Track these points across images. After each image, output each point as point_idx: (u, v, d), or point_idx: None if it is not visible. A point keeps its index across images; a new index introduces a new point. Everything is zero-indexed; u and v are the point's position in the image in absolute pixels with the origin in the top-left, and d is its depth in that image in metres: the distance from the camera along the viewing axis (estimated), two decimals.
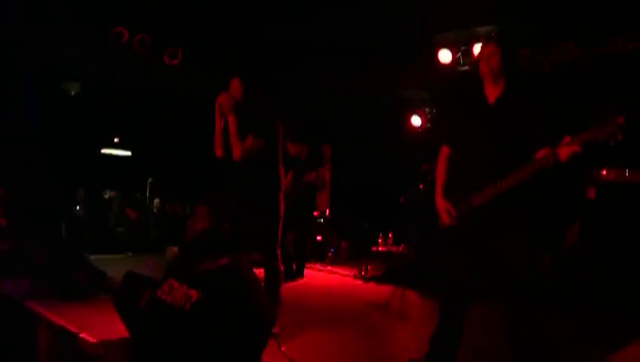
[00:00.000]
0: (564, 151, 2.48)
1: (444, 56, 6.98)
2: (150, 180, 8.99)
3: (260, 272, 3.50)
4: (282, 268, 3.94)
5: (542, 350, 2.70)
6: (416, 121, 8.22)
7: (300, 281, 6.25)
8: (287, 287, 5.69)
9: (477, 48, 6.42)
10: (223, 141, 3.76)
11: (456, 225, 2.89)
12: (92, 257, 6.04)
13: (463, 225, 2.87)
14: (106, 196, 8.65)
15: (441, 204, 2.95)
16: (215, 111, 3.76)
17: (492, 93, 2.86)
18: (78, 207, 8.11)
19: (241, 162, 3.69)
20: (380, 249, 8.13)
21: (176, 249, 7.52)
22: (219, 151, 3.80)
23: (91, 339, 3.13)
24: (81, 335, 3.24)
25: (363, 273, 6.48)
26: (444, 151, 3.10)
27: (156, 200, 8.93)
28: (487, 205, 2.74)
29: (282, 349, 3.41)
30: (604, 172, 5.27)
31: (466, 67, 6.98)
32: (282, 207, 3.86)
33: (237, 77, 3.79)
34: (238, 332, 2.10)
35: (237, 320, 2.10)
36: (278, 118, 3.87)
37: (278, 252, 3.82)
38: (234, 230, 2.36)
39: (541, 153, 2.60)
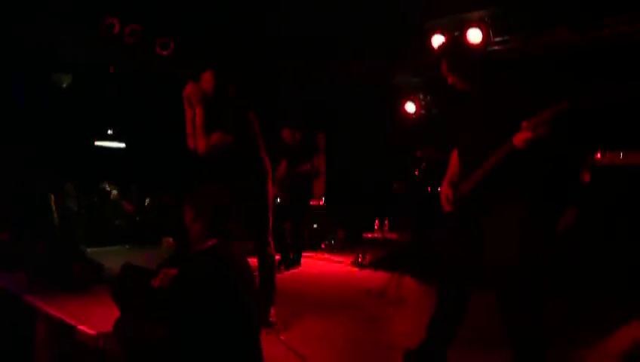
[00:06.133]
0: (518, 138, 2.58)
1: (438, 41, 6.94)
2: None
3: (253, 261, 3.51)
4: (277, 256, 3.93)
5: (541, 337, 2.73)
6: (410, 107, 8.21)
7: (296, 270, 6.27)
8: (285, 276, 5.72)
9: (470, 33, 6.40)
10: (194, 133, 3.68)
11: (454, 211, 2.99)
12: (90, 249, 6.05)
13: (459, 211, 2.97)
14: (106, 188, 8.63)
15: (444, 188, 3.08)
16: (184, 103, 3.69)
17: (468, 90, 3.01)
18: (70, 201, 8.07)
19: (206, 156, 3.61)
20: (376, 236, 8.16)
21: (171, 239, 7.55)
22: (191, 143, 3.70)
23: (90, 331, 3.14)
24: (79, 327, 3.25)
25: (359, 260, 6.50)
26: (454, 152, 3.21)
27: (147, 200, 8.97)
28: (476, 192, 2.83)
29: (281, 337, 3.43)
30: (599, 155, 5.30)
31: None
32: (270, 194, 3.84)
33: (210, 69, 3.71)
34: (213, 306, 2.14)
35: (211, 295, 2.15)
36: (251, 110, 3.82)
37: (270, 240, 3.81)
38: (217, 219, 2.44)
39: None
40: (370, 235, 8.45)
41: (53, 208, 7.13)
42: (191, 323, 2.14)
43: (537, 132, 2.54)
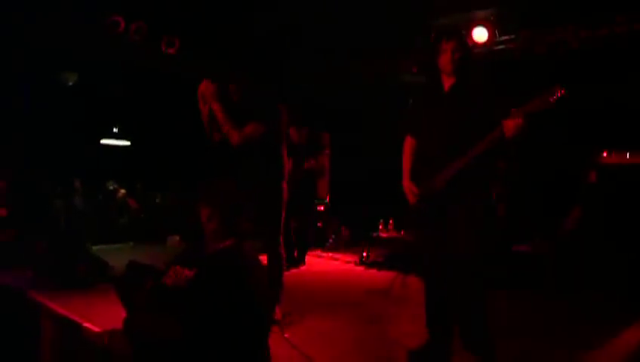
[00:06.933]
0: (509, 124, 2.58)
1: None
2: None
3: (262, 259, 3.50)
4: (284, 254, 3.95)
5: (485, 330, 2.81)
6: None
7: (301, 268, 6.27)
8: (289, 274, 5.71)
9: (476, 32, 6.38)
10: (214, 127, 3.68)
11: (421, 204, 3.06)
12: (95, 247, 6.06)
13: (426, 204, 3.03)
14: (111, 187, 8.67)
15: (406, 184, 3.15)
16: (198, 101, 3.69)
17: (447, 81, 3.02)
18: (76, 199, 8.11)
19: (241, 148, 3.63)
20: (380, 235, 8.14)
21: (177, 237, 7.56)
22: (216, 136, 3.71)
23: (95, 329, 3.15)
24: (85, 324, 3.26)
25: (364, 259, 6.50)
26: (408, 141, 3.29)
27: (154, 197, 9.01)
28: (445, 185, 2.88)
29: (285, 336, 3.43)
30: (605, 155, 5.26)
31: None
32: (285, 194, 3.84)
33: (233, 82, 3.71)
34: (232, 307, 2.13)
35: (231, 297, 2.14)
36: (281, 102, 3.84)
37: (281, 238, 3.83)
38: (233, 218, 2.42)
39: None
40: (374, 234, 8.43)
41: (57, 207, 7.17)
42: (206, 323, 2.12)
43: (524, 123, 2.53)
